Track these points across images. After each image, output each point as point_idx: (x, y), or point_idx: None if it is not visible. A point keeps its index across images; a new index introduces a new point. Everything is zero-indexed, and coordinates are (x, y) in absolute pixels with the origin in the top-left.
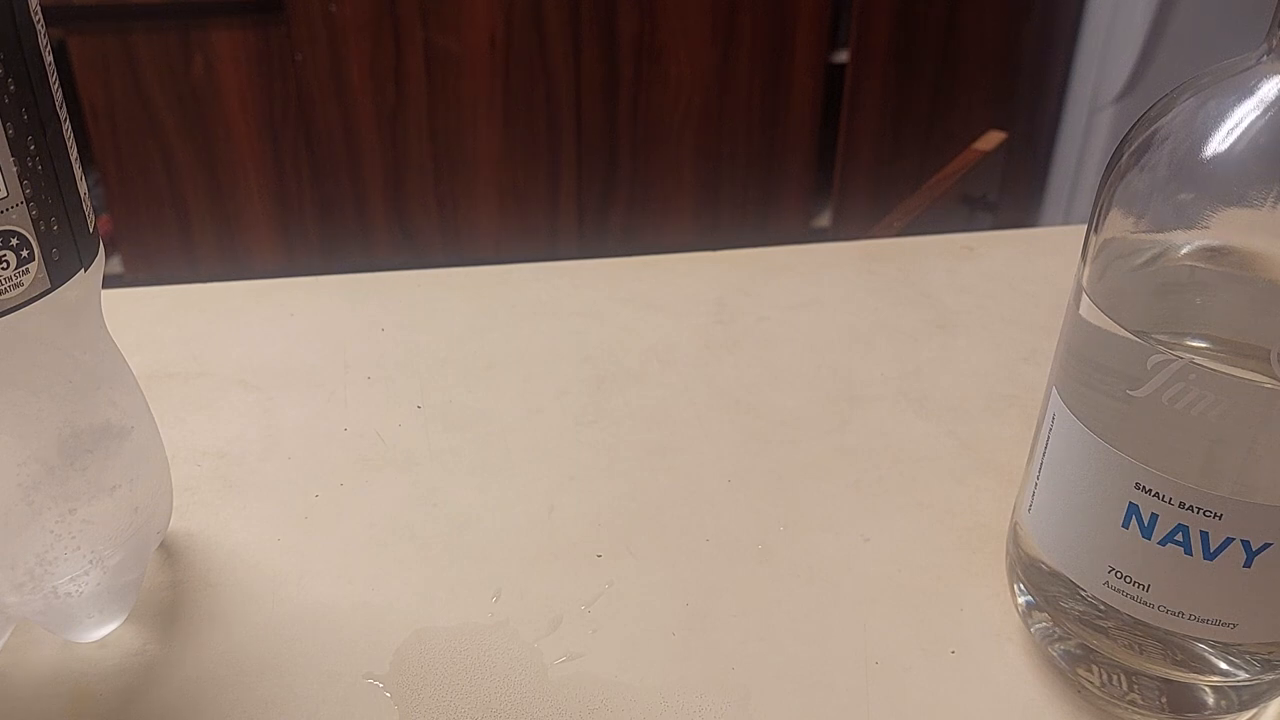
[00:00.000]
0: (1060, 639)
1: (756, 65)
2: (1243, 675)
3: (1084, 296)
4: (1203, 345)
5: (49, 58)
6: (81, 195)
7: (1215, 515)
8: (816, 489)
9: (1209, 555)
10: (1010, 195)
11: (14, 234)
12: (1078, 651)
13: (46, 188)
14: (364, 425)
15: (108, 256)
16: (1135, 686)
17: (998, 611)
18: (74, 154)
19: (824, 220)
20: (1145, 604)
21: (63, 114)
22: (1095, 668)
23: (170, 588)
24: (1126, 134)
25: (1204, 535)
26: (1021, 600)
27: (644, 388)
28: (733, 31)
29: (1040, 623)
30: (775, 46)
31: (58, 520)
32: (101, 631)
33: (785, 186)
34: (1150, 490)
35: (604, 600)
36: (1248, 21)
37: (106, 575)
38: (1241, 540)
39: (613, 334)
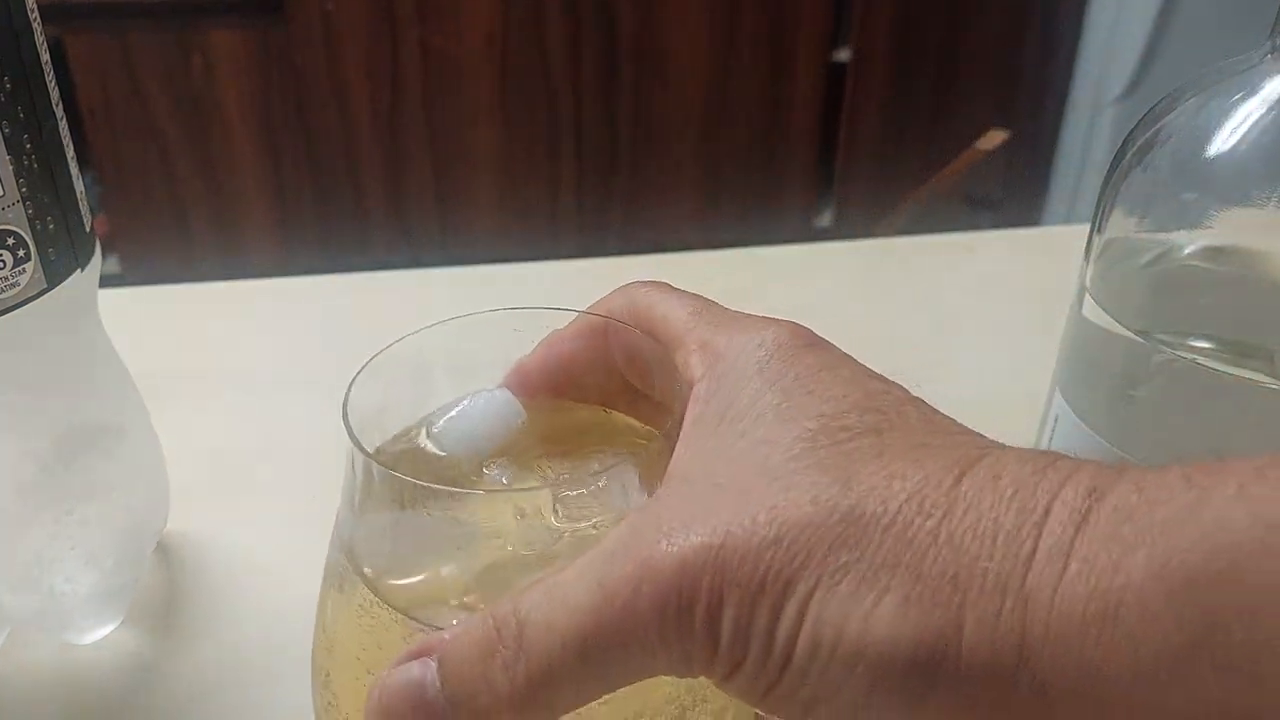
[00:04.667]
0: None
1: (757, 64)
2: None
3: (1086, 296)
4: (1206, 345)
5: (45, 56)
6: (78, 194)
7: None
8: None
9: None
10: (1013, 194)
11: (10, 233)
12: None
13: (43, 187)
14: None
15: (104, 256)
16: None
17: None
18: (70, 153)
19: (825, 219)
20: None
21: (59, 113)
22: None
23: (167, 588)
24: (1130, 133)
25: None
26: None
27: None
28: (733, 30)
29: None
30: (776, 45)
31: (54, 520)
32: (98, 633)
33: (786, 186)
34: None
35: None
36: (1251, 20)
37: (103, 576)
38: None
39: None
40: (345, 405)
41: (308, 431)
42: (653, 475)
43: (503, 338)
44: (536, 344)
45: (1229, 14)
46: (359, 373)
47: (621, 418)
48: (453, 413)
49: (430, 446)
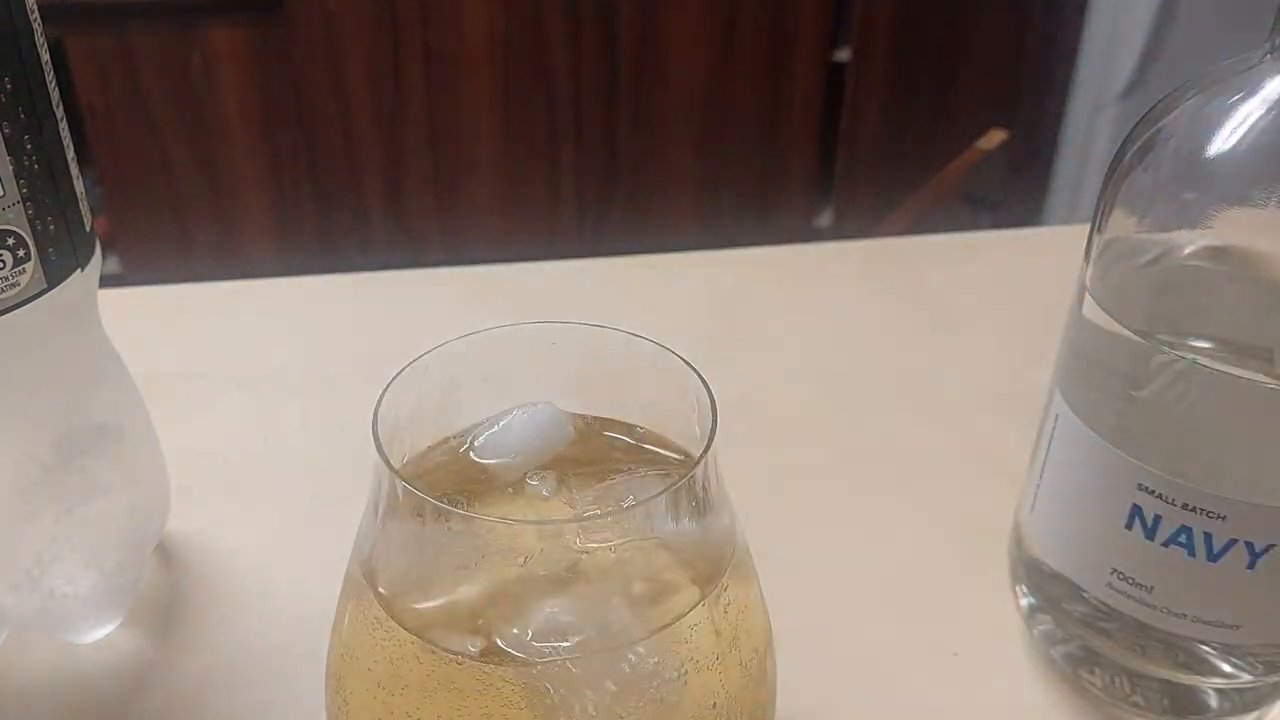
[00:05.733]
0: (1063, 641)
1: (757, 64)
2: (1246, 677)
3: (1087, 296)
4: (1206, 345)
5: (45, 56)
6: (78, 194)
7: (1219, 516)
8: (817, 489)
9: (1212, 557)
10: (1013, 194)
11: (10, 233)
12: (1080, 653)
13: (43, 187)
14: (362, 426)
15: (105, 256)
16: (1138, 689)
17: (1000, 613)
18: (71, 153)
19: (825, 220)
20: (1148, 606)
21: (59, 113)
22: (1098, 670)
23: (167, 589)
24: (1130, 133)
25: (1207, 536)
26: (1024, 602)
27: None
28: (733, 29)
29: (1042, 624)
30: (776, 45)
31: (54, 521)
32: (98, 633)
33: (786, 186)
34: (1153, 491)
35: None
36: (1251, 20)
37: (103, 576)
38: (1245, 542)
39: None
40: (375, 415)
41: (308, 431)
42: (679, 499)
43: (537, 351)
44: (571, 358)
45: (1229, 14)
46: (391, 382)
47: (655, 435)
48: (500, 425)
49: (475, 457)
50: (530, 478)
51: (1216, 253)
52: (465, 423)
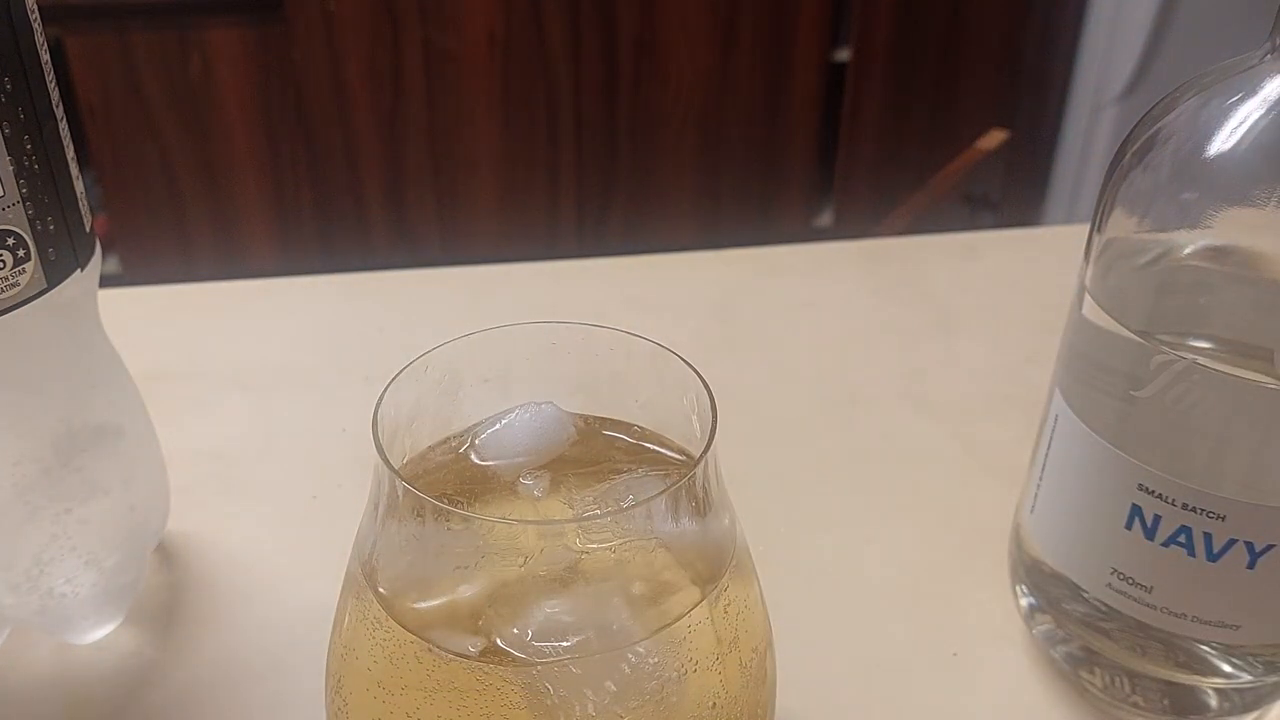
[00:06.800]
0: (1063, 641)
1: (757, 64)
2: (1246, 677)
3: (1087, 296)
4: (1206, 345)
5: (45, 56)
6: (78, 194)
7: (1219, 517)
8: (816, 489)
9: (1212, 557)
10: (1013, 194)
11: (10, 233)
12: (1080, 654)
13: (43, 187)
14: (362, 426)
15: (104, 256)
16: (1138, 689)
17: (1000, 613)
18: (70, 153)
19: (825, 219)
20: (1148, 606)
21: (59, 113)
22: (1098, 670)
23: (167, 589)
24: (1129, 133)
25: (1207, 537)
26: (1024, 602)
27: None
28: (733, 29)
29: (1042, 625)
30: (776, 45)
31: (54, 520)
32: (98, 633)
33: (786, 186)
34: (1153, 491)
35: None
36: (1251, 20)
37: (103, 576)
38: (1245, 542)
39: None
40: (375, 415)
41: (308, 431)
42: (679, 499)
43: (537, 351)
44: (571, 358)
45: (1229, 14)
46: (391, 382)
47: (655, 435)
48: (500, 425)
49: (475, 457)
50: (524, 478)
51: (1216, 253)
52: (465, 423)
